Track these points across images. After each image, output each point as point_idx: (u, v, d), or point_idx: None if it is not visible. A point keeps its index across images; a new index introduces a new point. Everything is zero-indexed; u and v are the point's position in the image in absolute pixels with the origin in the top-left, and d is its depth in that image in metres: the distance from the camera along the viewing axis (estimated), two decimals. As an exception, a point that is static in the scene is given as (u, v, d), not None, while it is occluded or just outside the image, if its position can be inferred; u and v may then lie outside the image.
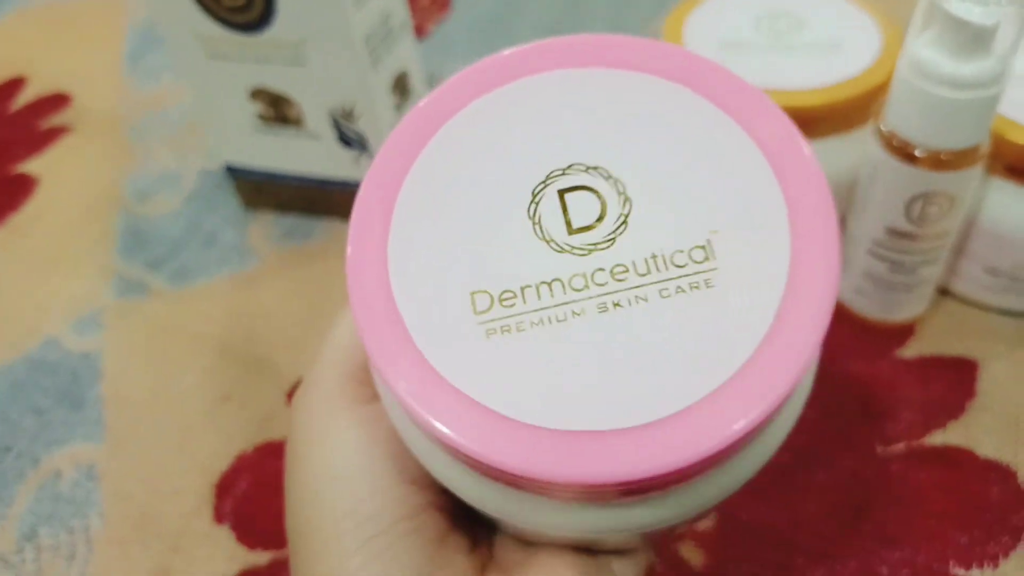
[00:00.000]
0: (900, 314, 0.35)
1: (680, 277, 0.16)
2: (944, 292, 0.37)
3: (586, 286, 0.17)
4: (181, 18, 0.37)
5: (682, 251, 0.17)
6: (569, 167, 0.18)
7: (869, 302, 0.35)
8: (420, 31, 0.58)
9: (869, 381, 0.35)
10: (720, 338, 0.16)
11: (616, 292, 0.17)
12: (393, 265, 0.17)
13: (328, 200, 0.44)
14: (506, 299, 0.17)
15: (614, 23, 0.57)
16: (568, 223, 0.17)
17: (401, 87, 0.41)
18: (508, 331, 0.16)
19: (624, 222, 0.17)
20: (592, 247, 0.17)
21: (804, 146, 0.17)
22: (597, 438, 0.15)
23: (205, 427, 0.37)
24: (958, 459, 0.32)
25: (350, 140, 0.40)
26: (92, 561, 0.33)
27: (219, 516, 0.33)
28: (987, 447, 0.32)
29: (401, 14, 0.39)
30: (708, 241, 0.17)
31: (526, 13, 0.59)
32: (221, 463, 0.35)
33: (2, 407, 0.39)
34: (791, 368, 0.15)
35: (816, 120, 0.34)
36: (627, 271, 0.17)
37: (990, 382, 0.34)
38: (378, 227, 0.18)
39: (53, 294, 0.44)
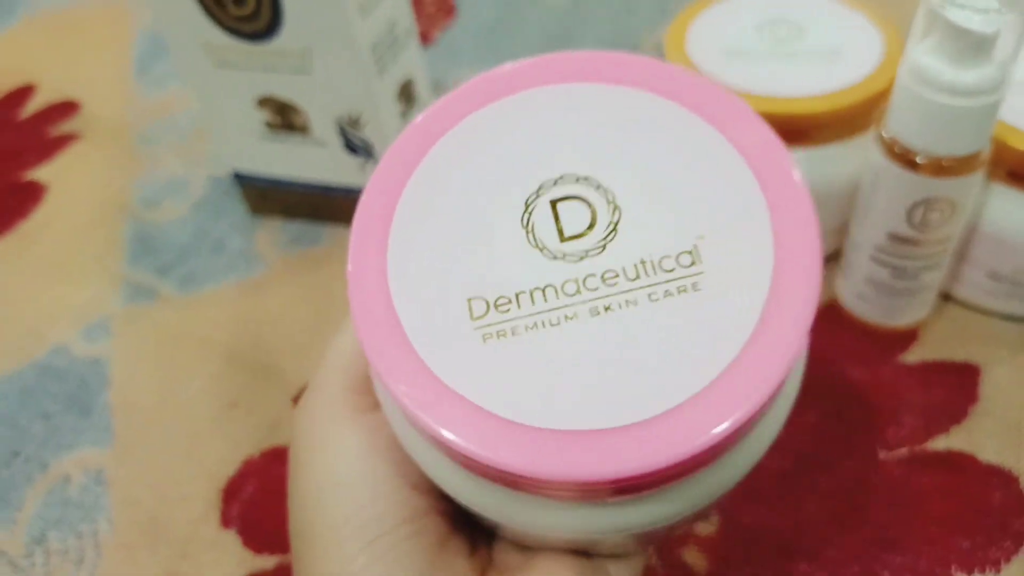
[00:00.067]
0: (902, 319, 0.35)
1: (669, 281, 0.17)
2: (946, 297, 0.37)
3: (578, 291, 0.17)
4: (188, 28, 0.38)
5: (670, 256, 0.17)
6: (560, 178, 0.18)
7: (872, 307, 0.35)
8: (425, 38, 0.58)
9: (871, 386, 0.35)
10: (708, 338, 0.17)
11: (607, 296, 0.17)
12: (392, 274, 0.18)
13: (334, 206, 0.44)
14: (502, 304, 0.17)
15: (617, 31, 0.57)
16: (560, 231, 0.18)
17: (407, 94, 0.41)
18: (504, 335, 0.17)
19: (614, 229, 0.18)
20: (584, 254, 0.18)
21: (785, 154, 0.18)
22: (590, 437, 0.16)
23: (212, 433, 0.37)
24: (960, 464, 0.32)
25: (356, 147, 0.41)
26: (100, 565, 0.33)
27: (226, 521, 0.34)
28: (989, 452, 0.32)
29: (406, 22, 0.40)
30: (695, 246, 0.17)
31: (530, 19, 0.59)
32: (228, 468, 0.35)
33: (11, 412, 0.39)
34: (777, 366, 0.16)
35: (818, 127, 0.34)
36: (618, 276, 0.17)
37: (992, 387, 0.34)
38: (377, 237, 0.18)
39: (61, 300, 0.44)
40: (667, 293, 0.17)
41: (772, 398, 0.16)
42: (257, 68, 0.38)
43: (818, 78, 0.34)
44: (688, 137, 0.19)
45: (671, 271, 0.17)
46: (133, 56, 0.62)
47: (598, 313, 0.17)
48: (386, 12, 0.37)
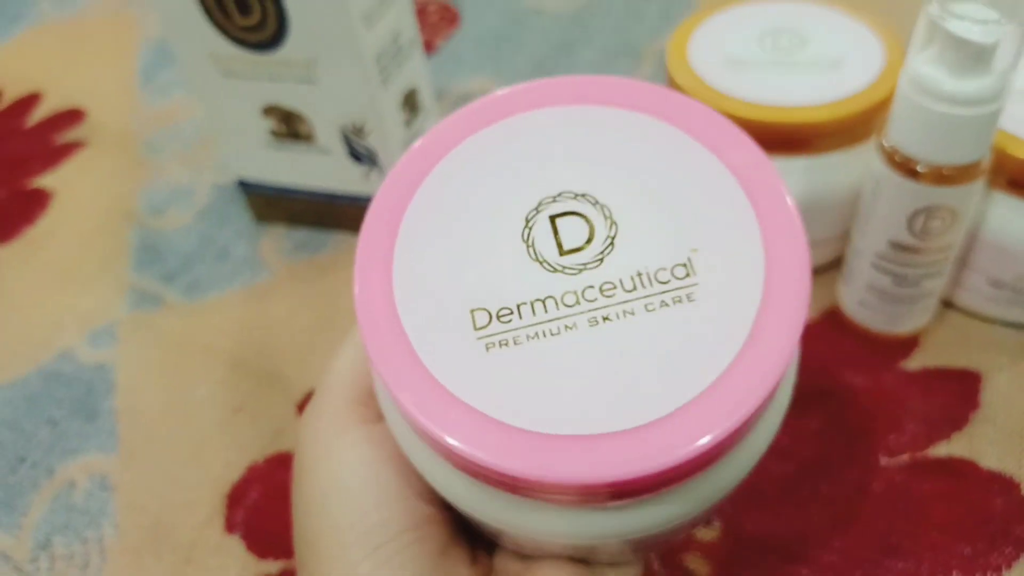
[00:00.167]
0: (904, 326, 0.36)
1: (664, 292, 0.18)
2: (948, 304, 0.38)
3: (577, 302, 0.18)
4: (195, 38, 0.38)
5: (665, 268, 0.18)
6: (559, 194, 0.19)
7: (873, 315, 0.35)
8: (429, 47, 0.59)
9: (873, 393, 0.35)
10: (703, 346, 0.17)
11: (605, 307, 0.18)
12: (398, 287, 0.19)
13: (338, 214, 0.45)
14: (504, 315, 0.18)
15: (619, 41, 0.57)
16: (559, 245, 0.19)
17: (411, 103, 0.41)
18: (506, 345, 0.18)
19: (611, 243, 0.19)
20: (582, 267, 0.18)
21: (773, 171, 0.19)
22: (589, 441, 0.16)
23: (217, 439, 0.37)
24: (961, 470, 0.32)
25: (360, 155, 0.41)
26: (105, 570, 0.33)
27: (230, 526, 0.34)
28: (990, 458, 0.32)
29: (411, 32, 0.40)
30: (689, 259, 0.18)
31: (533, 28, 0.60)
32: (233, 474, 0.36)
33: (17, 418, 0.39)
34: (769, 374, 0.17)
35: (819, 136, 0.34)
36: (615, 288, 0.18)
37: (993, 394, 0.34)
38: (383, 253, 0.19)
39: (68, 307, 0.44)
40: (663, 304, 0.18)
41: (765, 404, 0.17)
42: (263, 77, 0.39)
43: (820, 87, 0.34)
44: (681, 156, 0.19)
45: (666, 283, 0.18)
46: (138, 65, 0.62)
47: (596, 323, 0.18)
48: (391, 22, 0.38)
